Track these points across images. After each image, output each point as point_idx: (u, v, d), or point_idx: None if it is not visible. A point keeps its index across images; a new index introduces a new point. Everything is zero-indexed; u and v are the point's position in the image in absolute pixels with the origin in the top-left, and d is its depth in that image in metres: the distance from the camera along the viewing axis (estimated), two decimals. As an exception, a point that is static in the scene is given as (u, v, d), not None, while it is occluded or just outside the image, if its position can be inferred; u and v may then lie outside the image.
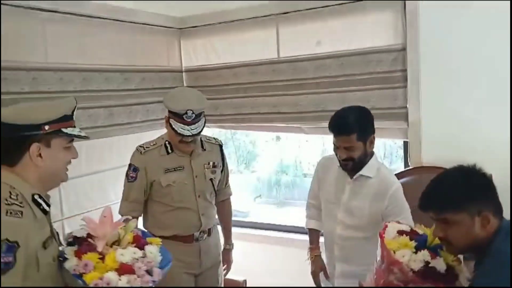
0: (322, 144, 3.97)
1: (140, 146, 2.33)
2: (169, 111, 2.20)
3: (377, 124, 2.89)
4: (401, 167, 3.03)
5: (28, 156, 1.34)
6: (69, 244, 1.35)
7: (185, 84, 3.66)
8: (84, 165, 2.82)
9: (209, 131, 3.84)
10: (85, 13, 2.79)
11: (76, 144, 2.71)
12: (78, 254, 1.27)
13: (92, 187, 2.87)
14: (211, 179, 2.37)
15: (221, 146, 2.50)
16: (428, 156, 2.77)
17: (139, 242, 1.34)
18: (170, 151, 2.28)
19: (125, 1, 2.96)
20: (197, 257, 2.35)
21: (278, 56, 3.25)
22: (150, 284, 1.25)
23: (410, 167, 2.80)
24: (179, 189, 2.26)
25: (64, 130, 1.38)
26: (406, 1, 2.73)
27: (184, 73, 3.65)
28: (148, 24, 3.29)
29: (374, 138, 2.00)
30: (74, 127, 1.41)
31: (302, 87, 3.15)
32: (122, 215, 2.07)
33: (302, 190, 4.26)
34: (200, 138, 2.37)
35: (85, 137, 1.46)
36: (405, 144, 2.95)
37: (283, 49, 3.22)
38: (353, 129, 1.88)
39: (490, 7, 2.52)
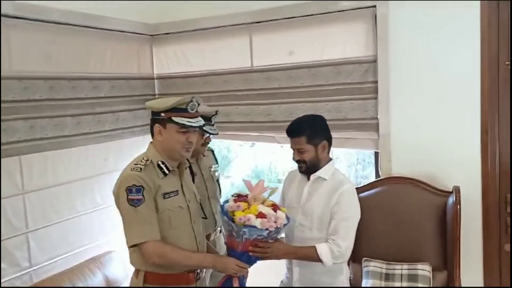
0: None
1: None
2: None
3: (348, 134, 2.96)
4: (373, 173, 3.05)
5: (155, 133, 1.87)
6: (232, 195, 1.96)
7: (156, 92, 3.60)
8: (50, 175, 2.74)
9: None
10: (52, 19, 2.70)
11: (42, 154, 2.68)
12: (235, 201, 1.88)
13: (58, 199, 2.78)
14: (217, 180, 2.64)
15: (213, 151, 2.78)
16: (398, 166, 2.80)
17: (275, 207, 1.91)
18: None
19: (97, 3, 2.90)
20: None
21: (252, 65, 3.23)
22: (271, 229, 1.81)
23: (381, 178, 2.82)
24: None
25: (174, 118, 1.82)
26: (377, 13, 2.76)
27: (156, 81, 3.60)
28: (119, 31, 3.21)
29: (327, 145, 2.15)
30: (191, 118, 1.84)
31: (275, 96, 3.14)
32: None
33: (277, 195, 4.24)
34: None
35: (194, 127, 1.85)
36: (376, 155, 2.97)
37: (256, 58, 3.21)
38: (302, 132, 2.07)
39: (458, 20, 2.58)
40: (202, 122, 1.89)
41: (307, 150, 2.07)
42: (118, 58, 3.23)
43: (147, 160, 1.84)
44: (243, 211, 1.82)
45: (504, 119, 2.56)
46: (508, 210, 2.56)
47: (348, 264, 2.62)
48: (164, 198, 1.81)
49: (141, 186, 1.75)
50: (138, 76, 3.43)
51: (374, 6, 2.76)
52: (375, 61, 2.81)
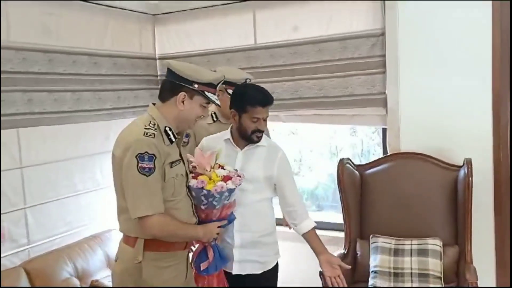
0: (292, 132, 3.87)
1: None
2: (226, 82, 2.17)
3: (355, 111, 2.89)
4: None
5: (175, 99, 1.75)
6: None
7: (158, 72, 3.53)
8: (48, 151, 2.68)
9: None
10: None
11: (40, 129, 2.61)
12: (194, 177, 1.84)
13: (56, 175, 2.71)
14: None
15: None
16: (406, 142, 2.72)
17: (220, 166, 1.93)
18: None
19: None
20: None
21: (255, 42, 3.16)
22: (240, 182, 1.90)
23: (389, 154, 2.75)
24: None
25: (206, 93, 1.76)
26: (385, -15, 2.69)
27: (158, 61, 3.53)
28: (120, 8, 3.15)
29: None
30: (215, 94, 1.79)
31: (279, 73, 3.07)
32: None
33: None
34: None
35: (218, 105, 1.85)
36: (384, 131, 2.90)
37: (260, 35, 3.14)
38: (273, 99, 2.06)
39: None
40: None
41: (267, 119, 2.07)
42: (119, 35, 3.17)
43: (155, 124, 1.72)
44: (208, 184, 1.82)
45: (516, 91, 2.48)
46: (521, 185, 2.49)
47: (356, 241, 2.56)
48: (171, 166, 1.74)
49: (153, 154, 1.64)
50: (140, 55, 3.36)
51: (382, -22, 2.70)
52: (382, 34, 2.74)
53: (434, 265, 2.30)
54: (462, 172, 2.39)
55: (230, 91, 2.21)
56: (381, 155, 2.90)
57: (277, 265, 2.17)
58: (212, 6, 3.25)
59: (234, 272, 2.07)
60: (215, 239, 1.92)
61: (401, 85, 2.71)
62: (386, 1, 2.70)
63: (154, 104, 1.80)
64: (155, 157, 1.64)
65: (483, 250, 2.48)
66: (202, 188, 1.80)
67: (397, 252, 2.37)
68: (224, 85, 2.24)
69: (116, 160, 1.71)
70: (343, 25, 2.85)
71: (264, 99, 2.01)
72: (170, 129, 1.74)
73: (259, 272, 2.08)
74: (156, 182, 1.66)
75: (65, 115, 2.76)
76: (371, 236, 2.49)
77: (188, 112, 1.76)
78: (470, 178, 2.31)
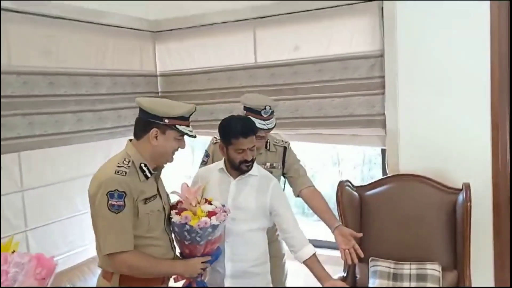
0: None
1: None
2: (247, 109, 2.35)
3: (355, 131, 2.90)
4: (379, 174, 2.97)
5: (148, 136, 1.76)
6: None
7: (159, 89, 3.55)
8: (49, 173, 2.70)
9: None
10: (52, 14, 2.66)
11: (41, 151, 2.63)
12: (178, 213, 1.84)
13: (58, 197, 2.73)
14: None
15: (285, 148, 2.53)
16: (406, 163, 2.72)
17: (207, 201, 1.93)
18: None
19: (99, 1, 2.86)
20: None
21: (255, 61, 3.17)
22: (225, 218, 1.89)
23: (388, 175, 2.75)
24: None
25: (178, 126, 1.76)
26: (384, 7, 2.69)
27: (158, 78, 3.55)
28: (120, 27, 3.17)
29: None
30: (188, 126, 1.81)
31: (280, 92, 3.07)
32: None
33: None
34: (268, 140, 2.46)
35: (193, 136, 1.83)
36: (383, 152, 2.90)
37: (260, 54, 3.16)
38: (256, 129, 2.11)
39: (467, 13, 2.51)
40: (193, 131, 1.87)
41: (255, 147, 2.08)
42: (119, 54, 3.18)
43: (129, 161, 1.74)
44: (192, 219, 1.82)
45: (515, 114, 2.48)
46: (520, 208, 2.48)
47: (355, 264, 2.56)
48: (145, 203, 1.76)
49: (123, 191, 1.66)
50: (140, 73, 3.38)
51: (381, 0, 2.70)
52: (381, 55, 2.74)
53: (433, 291, 2.30)
54: (461, 197, 2.39)
55: (253, 119, 2.25)
56: (382, 167, 2.92)
57: None
58: (213, 24, 3.27)
59: None
60: (201, 274, 1.91)
61: (400, 106, 2.72)
62: (384, 22, 2.71)
63: (131, 140, 1.83)
64: (125, 195, 1.67)
65: (482, 274, 2.49)
66: (186, 223, 1.80)
67: (395, 277, 2.38)
68: (245, 111, 2.35)
69: (91, 198, 1.74)
70: (343, 45, 2.85)
71: (245, 130, 2.01)
72: (146, 165, 1.76)
73: None
74: (126, 219, 1.68)
75: (66, 137, 2.77)
76: (370, 259, 2.50)
77: (163, 147, 1.77)
78: (469, 204, 2.31)
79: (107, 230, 1.68)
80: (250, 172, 2.10)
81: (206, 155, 2.51)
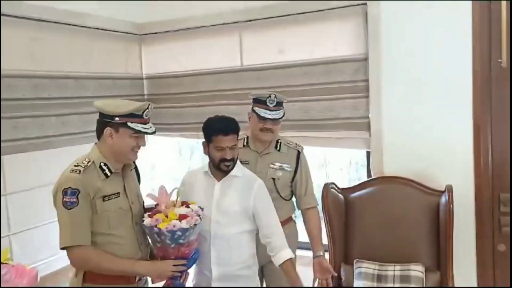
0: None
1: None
2: (254, 101, 2.39)
3: (340, 134, 2.92)
4: (365, 176, 3.00)
5: (104, 135, 1.82)
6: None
7: (145, 92, 3.54)
8: (33, 177, 2.68)
9: (171, 140, 3.75)
10: (35, 16, 2.64)
11: (24, 155, 2.61)
12: (150, 216, 1.87)
13: (41, 201, 2.68)
14: (272, 178, 2.40)
15: (299, 152, 2.50)
16: (390, 165, 2.75)
17: (185, 204, 1.96)
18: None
19: (85, 2, 2.85)
20: None
21: (242, 64, 3.19)
22: (198, 222, 1.89)
23: (373, 177, 2.78)
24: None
25: (129, 124, 1.79)
26: (368, 11, 2.72)
27: (145, 81, 3.54)
28: (105, 29, 3.15)
29: None
30: (144, 123, 1.83)
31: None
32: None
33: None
34: (279, 140, 2.47)
35: (150, 133, 1.84)
36: (368, 154, 2.93)
37: (246, 57, 3.17)
38: (236, 129, 2.09)
39: (449, 17, 2.55)
40: (153, 128, 1.87)
41: (236, 146, 2.09)
42: (105, 57, 3.17)
43: (89, 161, 1.81)
44: (163, 222, 1.84)
45: (496, 117, 2.52)
46: (502, 209, 2.52)
47: (340, 266, 2.58)
48: (104, 200, 1.80)
49: (76, 189, 1.73)
50: (126, 76, 3.37)
51: (365, 4, 2.73)
52: (366, 59, 2.77)
53: (417, 292, 2.32)
54: (443, 198, 2.42)
55: (257, 109, 2.35)
56: (367, 169, 2.95)
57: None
58: (199, 27, 3.27)
59: None
60: (181, 277, 1.91)
61: (383, 109, 2.75)
62: (368, 26, 2.73)
63: (96, 143, 1.89)
64: (79, 192, 1.73)
65: (465, 275, 2.52)
66: (155, 226, 1.81)
67: (380, 279, 2.40)
68: (252, 105, 2.41)
69: (53, 198, 1.80)
70: (327, 49, 2.88)
71: (225, 127, 2.05)
72: (106, 165, 1.82)
73: None
74: (79, 215, 1.74)
75: (50, 140, 2.75)
76: (355, 261, 2.51)
77: (119, 145, 1.81)
78: (451, 205, 2.34)
79: (62, 226, 1.75)
80: (233, 174, 2.10)
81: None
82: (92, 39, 3.06)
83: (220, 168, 2.08)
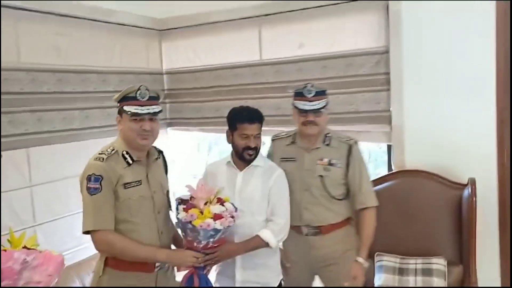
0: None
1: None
2: (294, 95, 2.25)
3: (360, 127, 2.90)
4: (385, 172, 2.97)
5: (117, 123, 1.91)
6: (179, 204, 1.95)
7: (165, 87, 3.58)
8: (57, 169, 2.72)
9: (189, 136, 3.78)
10: (60, 12, 2.69)
11: (50, 147, 2.66)
12: (185, 210, 1.87)
13: (66, 192, 2.75)
14: (320, 176, 2.21)
15: (350, 146, 2.25)
16: (411, 159, 2.73)
17: (221, 201, 1.95)
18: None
19: (104, 1, 2.89)
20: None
21: (261, 58, 3.20)
22: (230, 224, 1.89)
23: (394, 171, 2.76)
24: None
25: (125, 107, 1.84)
26: (389, 3, 2.70)
27: (165, 76, 3.58)
28: (127, 25, 3.20)
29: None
30: (141, 105, 1.83)
31: (284, 90, 3.07)
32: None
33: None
34: (328, 133, 2.27)
35: (141, 114, 1.82)
36: (389, 148, 2.91)
37: (265, 52, 3.18)
38: (260, 118, 2.11)
39: (473, 10, 2.51)
40: (155, 109, 1.86)
41: (260, 136, 2.11)
42: (127, 52, 3.22)
43: (113, 150, 1.86)
44: (197, 218, 1.85)
45: (521, 109, 2.48)
46: (526, 203, 2.49)
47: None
48: (125, 188, 1.83)
49: (100, 175, 1.78)
50: (147, 71, 3.42)
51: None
52: (387, 52, 2.75)
53: (438, 285, 2.30)
54: (466, 192, 2.40)
55: (296, 102, 2.23)
56: (387, 164, 2.93)
57: (280, 286, 2.18)
58: (218, 22, 3.29)
59: None
60: (204, 268, 1.93)
61: (405, 102, 2.73)
62: (390, 19, 2.72)
63: None
64: (102, 178, 1.78)
65: (488, 269, 2.49)
66: (189, 222, 1.84)
67: (401, 271, 2.39)
68: (293, 99, 2.27)
69: (80, 185, 1.85)
70: (347, 42, 2.87)
71: (251, 116, 2.09)
72: (128, 153, 1.86)
73: None
74: (102, 200, 1.78)
75: (74, 133, 2.81)
76: (376, 254, 2.51)
77: (125, 130, 1.87)
78: (474, 198, 2.32)
79: (85, 210, 1.81)
80: (255, 163, 2.12)
81: (267, 155, 2.38)
82: (115, 34, 3.12)
83: (243, 156, 2.10)
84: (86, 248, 2.82)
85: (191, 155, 4.11)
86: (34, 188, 2.60)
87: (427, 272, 2.34)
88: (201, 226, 1.81)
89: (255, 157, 2.12)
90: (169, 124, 3.64)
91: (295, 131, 2.36)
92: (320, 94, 2.21)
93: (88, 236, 2.81)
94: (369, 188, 2.27)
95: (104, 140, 2.94)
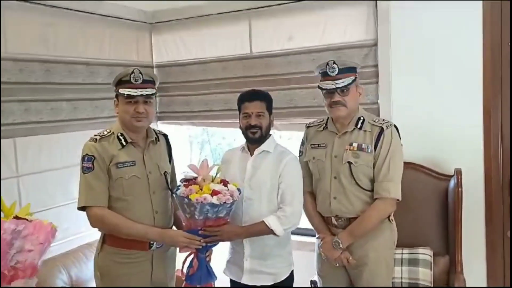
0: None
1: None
2: (320, 75, 2.12)
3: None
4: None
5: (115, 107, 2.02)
6: (181, 182, 2.00)
7: (155, 80, 3.57)
8: (45, 160, 2.71)
9: (181, 133, 3.77)
10: (50, 3, 2.68)
11: (37, 138, 2.65)
12: (186, 186, 1.93)
13: (53, 184, 2.74)
14: (348, 162, 2.03)
15: (382, 129, 2.05)
16: (399, 151, 2.73)
17: (225, 182, 1.98)
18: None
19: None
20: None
21: (251, 51, 3.20)
22: (229, 201, 1.88)
23: (381, 163, 2.76)
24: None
25: (120, 90, 1.94)
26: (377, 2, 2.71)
27: (155, 68, 3.57)
28: (117, 17, 3.19)
29: (273, 119, 2.20)
30: (135, 88, 1.91)
31: (275, 83, 3.10)
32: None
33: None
34: (361, 116, 2.09)
35: (135, 96, 1.90)
36: (377, 140, 2.92)
37: (255, 45, 3.18)
38: (265, 97, 2.14)
39: (459, 2, 2.53)
40: (149, 91, 1.93)
41: (265, 116, 2.10)
42: (116, 44, 3.21)
43: (109, 132, 1.98)
44: (196, 193, 1.88)
45: (506, 101, 2.50)
46: (512, 194, 2.50)
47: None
48: (118, 167, 1.92)
49: (92, 155, 1.90)
50: (136, 64, 3.39)
51: (374, -6, 2.72)
52: (375, 44, 2.77)
53: (424, 275, 2.32)
54: (452, 182, 2.42)
55: (320, 83, 2.08)
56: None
57: (291, 276, 2.14)
58: (209, 15, 3.29)
59: (244, 282, 2.08)
60: (207, 251, 1.95)
61: (393, 95, 2.74)
62: (378, 12, 2.73)
63: None
64: (94, 158, 1.90)
65: (474, 260, 2.51)
66: (186, 197, 1.86)
67: (388, 262, 2.39)
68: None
69: None
70: (336, 35, 2.88)
71: (250, 96, 2.13)
72: (122, 135, 1.96)
73: (270, 283, 2.05)
74: (95, 179, 1.89)
75: (61, 124, 2.80)
76: (363, 245, 2.51)
77: (121, 113, 1.96)
78: (460, 189, 2.33)
79: (80, 188, 1.93)
80: (265, 149, 2.10)
81: (302, 143, 2.30)
82: (104, 26, 3.11)
83: (248, 136, 2.11)
84: (73, 241, 2.83)
85: (183, 153, 4.09)
86: (21, 179, 2.58)
87: (413, 262, 2.35)
88: (197, 199, 1.83)
89: (260, 136, 2.08)
90: (159, 118, 3.63)
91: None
92: (345, 71, 2.01)
93: (75, 229, 2.86)
94: (395, 177, 2.02)
95: (92, 132, 2.93)
